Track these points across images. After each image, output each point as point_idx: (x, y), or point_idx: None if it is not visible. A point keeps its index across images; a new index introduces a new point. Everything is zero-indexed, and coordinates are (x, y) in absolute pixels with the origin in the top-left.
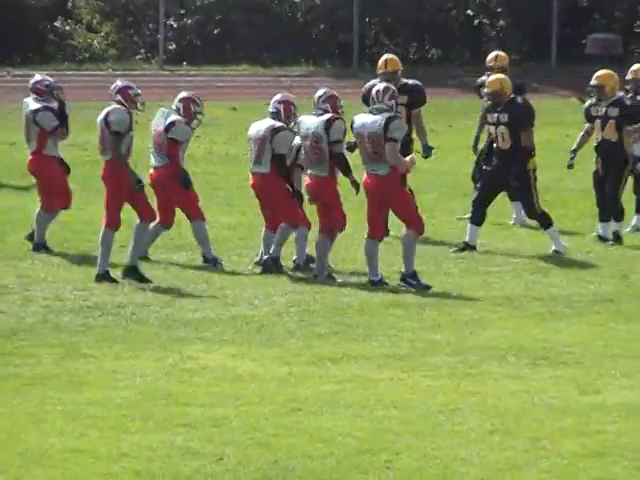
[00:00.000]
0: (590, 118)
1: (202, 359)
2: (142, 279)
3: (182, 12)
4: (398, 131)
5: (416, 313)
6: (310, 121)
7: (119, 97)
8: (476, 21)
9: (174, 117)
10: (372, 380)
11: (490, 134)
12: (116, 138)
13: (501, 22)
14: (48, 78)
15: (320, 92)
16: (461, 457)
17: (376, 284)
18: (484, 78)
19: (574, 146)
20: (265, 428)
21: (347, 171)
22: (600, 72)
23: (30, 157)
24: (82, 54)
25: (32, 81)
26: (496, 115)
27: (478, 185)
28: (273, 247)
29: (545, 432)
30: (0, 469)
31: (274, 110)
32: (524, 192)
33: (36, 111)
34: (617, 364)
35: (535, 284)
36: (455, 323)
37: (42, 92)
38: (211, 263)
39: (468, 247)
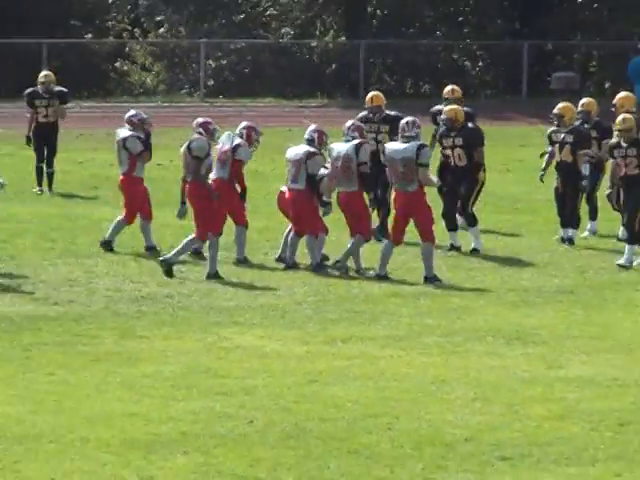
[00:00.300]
0: (552, 142)
1: (235, 339)
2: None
3: (219, 54)
4: (426, 157)
5: (412, 301)
6: (341, 146)
7: (200, 129)
8: (460, 62)
9: (239, 140)
10: (376, 357)
11: (447, 156)
12: (197, 162)
13: (481, 63)
14: (141, 113)
15: (349, 123)
16: (449, 420)
17: (382, 277)
18: (440, 107)
19: (543, 165)
20: (287, 396)
21: (369, 188)
22: (561, 104)
23: (121, 177)
24: (137, 89)
25: (127, 114)
26: (451, 139)
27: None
28: (342, 256)
29: (517, 399)
30: (70, 429)
31: (309, 137)
32: (467, 195)
33: (125, 139)
34: (576, 343)
35: (510, 277)
36: (444, 310)
37: (134, 124)
38: (242, 261)
39: (454, 248)
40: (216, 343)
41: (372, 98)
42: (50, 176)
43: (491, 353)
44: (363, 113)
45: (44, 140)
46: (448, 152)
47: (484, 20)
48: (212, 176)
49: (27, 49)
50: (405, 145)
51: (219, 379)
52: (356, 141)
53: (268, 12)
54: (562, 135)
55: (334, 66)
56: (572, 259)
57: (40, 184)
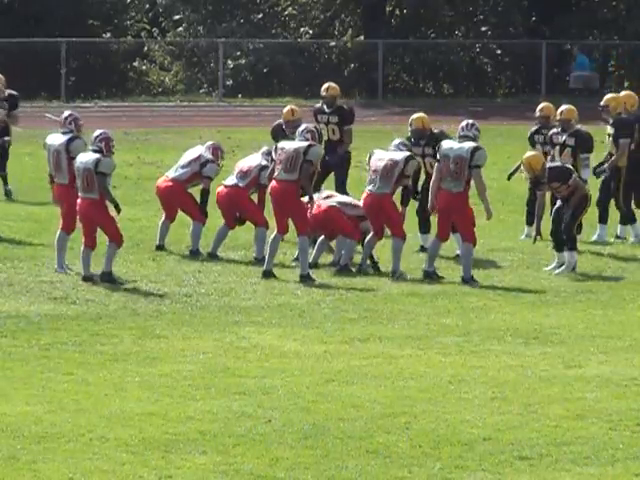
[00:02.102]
0: (552, 144)
1: (254, 339)
2: (311, 280)
3: (238, 54)
4: (481, 160)
5: (430, 301)
6: (396, 155)
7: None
8: (478, 61)
9: (307, 143)
10: (394, 356)
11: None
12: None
13: (499, 62)
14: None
15: (397, 141)
16: (467, 419)
17: (430, 275)
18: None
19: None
20: (305, 396)
21: (408, 202)
22: (565, 107)
23: (168, 183)
24: (156, 89)
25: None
26: (421, 148)
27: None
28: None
29: (536, 399)
30: (89, 428)
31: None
32: None
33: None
34: (595, 343)
35: (528, 277)
36: (462, 309)
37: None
38: (261, 261)
39: (423, 249)
40: (234, 342)
41: (327, 88)
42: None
43: (509, 353)
44: (317, 105)
45: None
46: (419, 159)
47: (503, 19)
48: (228, 183)
49: (46, 48)
50: (461, 144)
51: (237, 378)
52: (407, 154)
53: (287, 12)
54: (564, 138)
55: (353, 66)
56: (590, 259)
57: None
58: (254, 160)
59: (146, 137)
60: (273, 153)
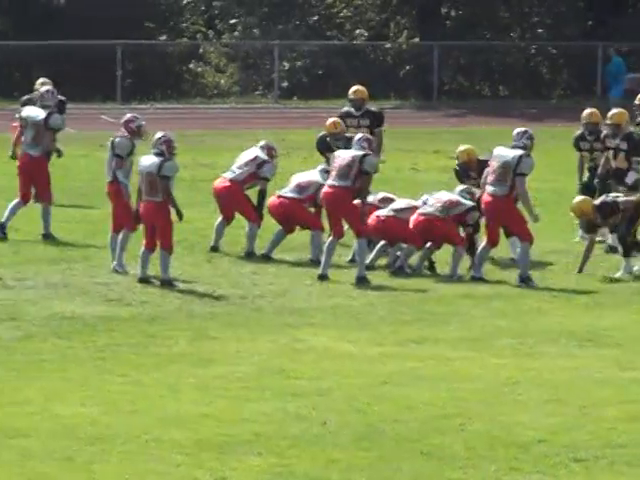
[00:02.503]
0: (606, 148)
1: (309, 341)
2: (367, 282)
3: (293, 56)
4: (526, 168)
5: (485, 303)
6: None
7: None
8: (534, 63)
9: (363, 151)
10: (448, 358)
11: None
12: None
13: (556, 63)
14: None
15: (459, 188)
16: (522, 421)
17: (477, 279)
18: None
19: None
20: (360, 397)
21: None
22: (615, 110)
23: (225, 183)
24: (211, 90)
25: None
26: (474, 181)
27: None
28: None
29: (591, 401)
30: (144, 430)
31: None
32: None
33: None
34: None
35: (582, 279)
36: (517, 311)
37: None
38: (316, 263)
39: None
40: (289, 344)
41: (355, 91)
42: None
43: (564, 355)
44: (345, 109)
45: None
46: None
47: (559, 21)
48: (284, 194)
49: (101, 51)
50: (511, 151)
51: (292, 380)
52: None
53: (342, 14)
54: (616, 141)
55: (408, 67)
56: None
57: None
58: (313, 176)
59: (201, 139)
60: (326, 165)
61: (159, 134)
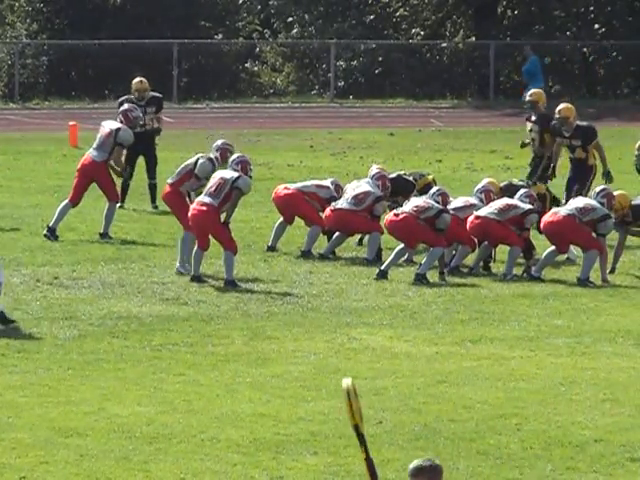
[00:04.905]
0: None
1: (365, 340)
2: (426, 280)
3: (350, 55)
4: (606, 229)
5: (541, 302)
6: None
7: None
8: (590, 61)
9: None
10: (505, 357)
11: None
12: None
13: (613, 62)
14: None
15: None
16: (578, 421)
17: (534, 279)
18: None
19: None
20: (416, 397)
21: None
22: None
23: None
24: (267, 90)
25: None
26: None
27: None
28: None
29: None
30: (200, 429)
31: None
32: None
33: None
34: None
35: (639, 279)
36: (573, 311)
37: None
38: (371, 262)
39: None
40: (345, 344)
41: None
42: (153, 188)
43: (621, 354)
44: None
45: (141, 151)
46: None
47: (614, 19)
48: (339, 206)
49: (158, 50)
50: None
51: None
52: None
53: (398, 13)
54: None
55: (464, 66)
56: None
57: (122, 200)
58: (366, 187)
59: (257, 138)
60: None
61: (235, 155)
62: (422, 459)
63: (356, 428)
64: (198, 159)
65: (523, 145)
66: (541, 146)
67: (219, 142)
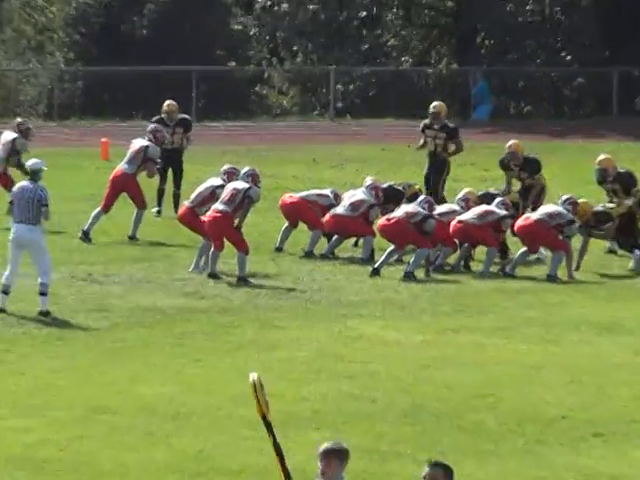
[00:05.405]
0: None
1: (360, 329)
2: (414, 277)
3: (347, 79)
4: (571, 232)
5: (515, 296)
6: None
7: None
8: (558, 85)
9: None
10: (483, 344)
11: None
12: None
13: (577, 86)
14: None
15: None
16: (547, 400)
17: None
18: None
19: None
20: (405, 379)
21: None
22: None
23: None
24: (275, 110)
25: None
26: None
27: None
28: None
29: (608, 382)
30: (217, 407)
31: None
32: None
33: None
34: None
35: (602, 277)
36: (543, 303)
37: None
38: (366, 261)
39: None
40: (343, 332)
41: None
42: (176, 197)
43: (584, 341)
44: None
45: (170, 165)
46: None
47: (579, 49)
48: (338, 212)
49: (179, 75)
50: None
51: (345, 364)
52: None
53: (390, 43)
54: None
55: (447, 90)
56: None
57: (160, 204)
58: (361, 195)
59: (266, 153)
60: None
61: (246, 168)
62: (331, 442)
63: (264, 418)
64: (212, 184)
65: (420, 148)
66: (444, 151)
67: (226, 167)
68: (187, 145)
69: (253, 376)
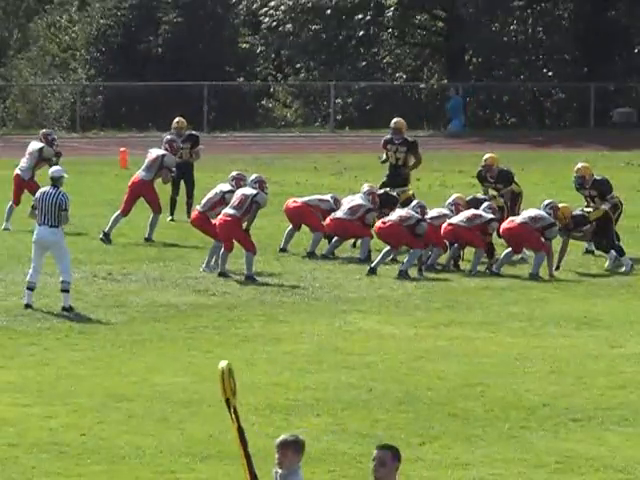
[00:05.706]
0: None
1: (358, 324)
2: (408, 276)
3: (346, 94)
4: (551, 235)
5: (500, 293)
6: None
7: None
8: (540, 99)
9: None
10: (471, 338)
11: None
12: None
13: (558, 99)
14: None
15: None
16: (530, 389)
17: (495, 274)
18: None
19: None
20: (400, 370)
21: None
22: (580, 165)
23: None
24: (279, 122)
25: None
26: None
27: None
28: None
29: (585, 372)
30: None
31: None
32: None
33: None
34: (634, 327)
35: (580, 275)
36: (526, 300)
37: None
38: (363, 261)
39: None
40: (342, 327)
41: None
42: (189, 205)
43: (564, 335)
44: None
45: (181, 176)
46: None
47: (559, 66)
48: (337, 216)
49: (191, 89)
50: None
51: (345, 355)
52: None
53: (385, 60)
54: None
55: (438, 103)
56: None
57: (172, 213)
58: (359, 201)
59: (272, 161)
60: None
61: (254, 175)
62: (287, 434)
63: (227, 401)
64: (221, 189)
65: (384, 161)
66: (404, 166)
67: (234, 173)
68: (196, 158)
69: (223, 364)
